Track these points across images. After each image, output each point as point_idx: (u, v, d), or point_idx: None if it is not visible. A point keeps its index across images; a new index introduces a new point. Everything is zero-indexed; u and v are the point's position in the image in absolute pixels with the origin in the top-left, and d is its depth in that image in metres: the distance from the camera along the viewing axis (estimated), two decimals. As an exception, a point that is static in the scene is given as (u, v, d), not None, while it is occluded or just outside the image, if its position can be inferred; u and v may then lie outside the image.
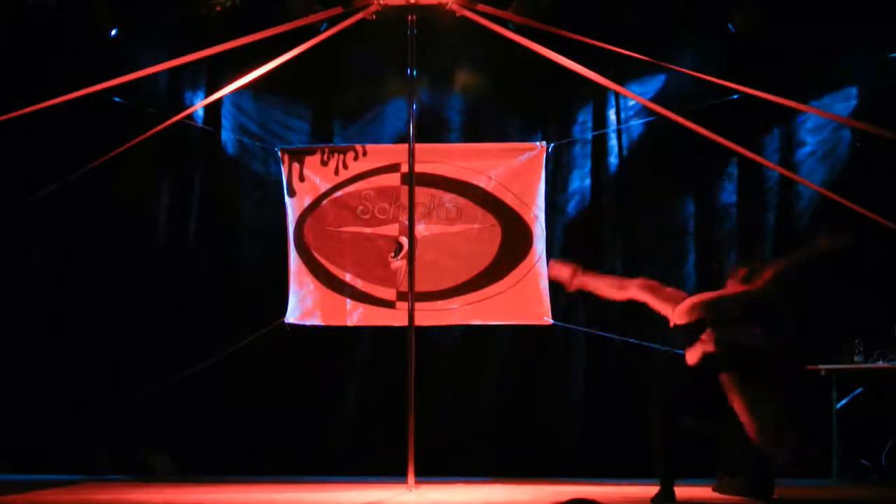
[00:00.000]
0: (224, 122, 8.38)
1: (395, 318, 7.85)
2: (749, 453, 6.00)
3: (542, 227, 8.07)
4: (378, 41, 7.69)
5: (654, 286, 6.21)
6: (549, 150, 8.15)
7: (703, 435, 6.24)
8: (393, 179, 8.21)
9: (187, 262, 8.30)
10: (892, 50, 7.71)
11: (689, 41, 7.94)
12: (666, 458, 5.85)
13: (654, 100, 7.77)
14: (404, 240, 7.98)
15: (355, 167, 8.25)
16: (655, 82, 8.03)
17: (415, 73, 6.77)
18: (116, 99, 7.72)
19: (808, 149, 7.97)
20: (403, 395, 6.49)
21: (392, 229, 8.18)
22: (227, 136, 8.38)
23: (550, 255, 8.06)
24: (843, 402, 7.37)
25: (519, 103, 8.35)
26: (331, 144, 8.33)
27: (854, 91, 7.91)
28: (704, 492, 6.37)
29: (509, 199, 8.14)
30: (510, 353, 8.14)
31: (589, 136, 8.24)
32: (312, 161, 8.28)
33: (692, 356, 5.92)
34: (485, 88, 8.26)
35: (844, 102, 7.91)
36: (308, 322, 8.14)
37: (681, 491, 6.24)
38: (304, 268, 8.19)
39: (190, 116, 7.85)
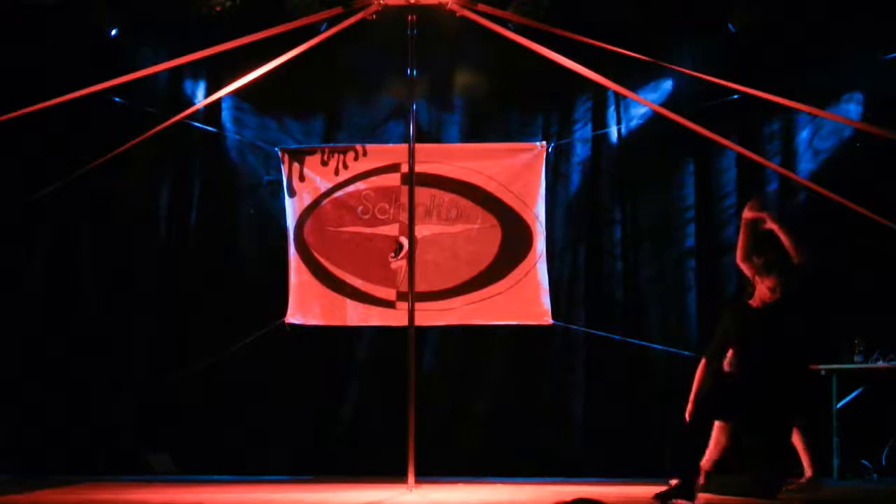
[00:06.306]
0: (224, 122, 8.39)
1: (395, 318, 7.85)
2: (761, 453, 6.00)
3: (542, 226, 8.06)
4: (378, 41, 7.69)
5: None
6: (550, 149, 8.16)
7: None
8: (393, 179, 8.21)
9: (187, 261, 8.30)
10: (892, 50, 7.70)
11: (690, 42, 7.94)
12: (692, 454, 5.86)
13: (660, 103, 7.77)
14: (404, 240, 7.98)
15: (355, 167, 8.25)
16: (663, 88, 8.04)
17: (415, 73, 6.77)
18: (116, 99, 7.72)
19: (807, 148, 7.99)
20: (403, 395, 6.48)
21: (392, 229, 8.18)
22: (227, 136, 8.38)
23: (551, 251, 8.07)
24: (844, 402, 7.37)
25: (519, 103, 8.36)
26: (331, 144, 8.33)
27: (856, 93, 7.91)
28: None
29: (509, 199, 8.14)
30: (510, 353, 8.13)
31: (589, 135, 8.24)
32: (312, 161, 8.28)
33: None
34: (485, 88, 8.27)
35: (846, 104, 7.92)
36: (308, 322, 8.14)
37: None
38: (304, 268, 8.19)
39: (190, 116, 7.85)
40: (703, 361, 6.46)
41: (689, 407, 6.45)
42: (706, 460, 6.49)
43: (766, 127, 8.05)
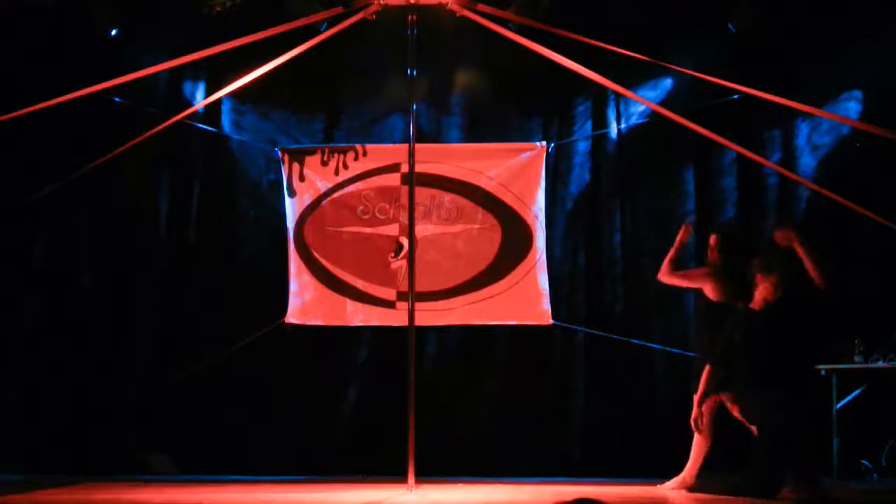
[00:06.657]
0: (224, 122, 8.39)
1: (395, 318, 7.85)
2: (759, 452, 5.99)
3: (542, 226, 8.06)
4: (378, 41, 7.69)
5: None
6: (550, 149, 8.16)
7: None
8: (393, 179, 8.21)
9: (187, 261, 8.30)
10: (892, 49, 7.70)
11: (690, 41, 7.94)
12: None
13: (660, 103, 7.77)
14: (404, 240, 7.98)
15: (355, 167, 8.25)
16: (663, 87, 8.05)
17: (415, 72, 6.77)
18: (116, 99, 7.72)
19: (806, 145, 8.00)
20: (403, 395, 6.48)
21: (392, 229, 8.18)
22: (227, 136, 8.38)
23: (551, 251, 8.07)
24: (844, 402, 7.37)
25: (519, 103, 8.36)
26: (331, 144, 8.33)
27: (856, 91, 7.91)
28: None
29: (509, 199, 8.13)
30: (510, 353, 8.13)
31: (588, 135, 8.24)
32: (312, 161, 8.28)
33: None
34: (485, 88, 8.27)
35: (846, 103, 7.92)
36: (308, 322, 8.14)
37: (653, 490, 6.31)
38: (304, 268, 8.19)
39: (190, 116, 7.85)
40: (707, 368, 6.46)
41: (695, 411, 6.45)
42: (690, 471, 6.50)
43: (765, 126, 8.04)
